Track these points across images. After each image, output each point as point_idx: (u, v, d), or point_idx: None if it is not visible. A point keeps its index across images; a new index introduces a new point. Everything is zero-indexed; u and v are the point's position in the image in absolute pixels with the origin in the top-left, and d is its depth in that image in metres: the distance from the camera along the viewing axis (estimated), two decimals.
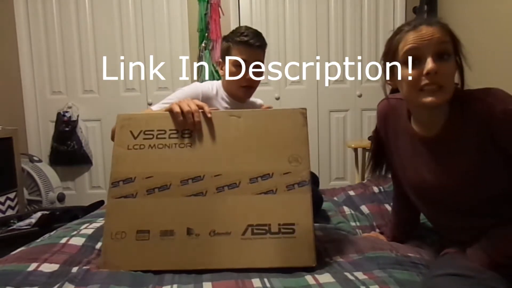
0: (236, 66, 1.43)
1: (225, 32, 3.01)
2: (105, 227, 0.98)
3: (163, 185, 0.97)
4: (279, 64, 3.19)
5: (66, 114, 3.18)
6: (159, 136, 1.02)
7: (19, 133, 2.87)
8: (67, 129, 3.15)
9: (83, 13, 3.20)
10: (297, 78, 3.21)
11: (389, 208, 1.57)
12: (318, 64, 3.19)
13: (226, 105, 1.52)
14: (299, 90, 3.22)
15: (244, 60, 1.42)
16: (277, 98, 3.22)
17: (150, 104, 3.22)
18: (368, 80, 3.19)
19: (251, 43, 1.41)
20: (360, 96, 3.21)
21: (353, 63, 3.18)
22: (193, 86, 1.51)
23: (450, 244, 0.98)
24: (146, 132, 1.03)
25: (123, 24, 3.20)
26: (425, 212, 1.08)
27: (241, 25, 3.11)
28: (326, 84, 3.22)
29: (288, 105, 3.23)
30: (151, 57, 3.21)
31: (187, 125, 1.04)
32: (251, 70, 1.43)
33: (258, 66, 1.45)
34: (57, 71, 3.25)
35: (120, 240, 0.94)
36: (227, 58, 1.46)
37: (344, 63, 3.19)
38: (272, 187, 0.97)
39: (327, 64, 3.19)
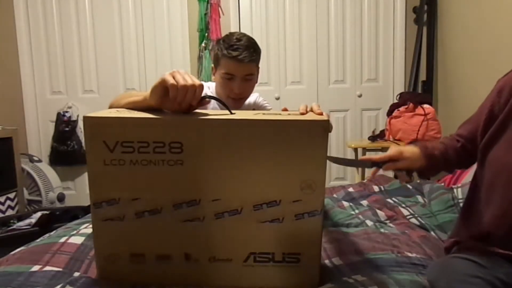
0: (225, 78, 1.39)
1: (225, 32, 3.02)
2: (96, 249, 0.88)
3: (154, 208, 0.83)
4: (279, 64, 3.19)
5: (66, 114, 3.18)
6: (141, 150, 0.80)
7: (19, 133, 2.87)
8: (67, 129, 3.15)
9: (83, 13, 3.20)
10: (297, 78, 3.22)
11: (391, 202, 1.57)
12: (318, 64, 3.19)
13: (218, 108, 1.47)
14: (299, 90, 3.22)
15: (232, 75, 1.37)
16: (277, 98, 3.22)
17: None
18: (368, 80, 3.20)
19: (240, 59, 1.33)
20: (360, 96, 3.21)
21: (353, 63, 3.19)
22: None
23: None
24: (124, 144, 0.80)
25: (123, 24, 3.20)
26: (497, 201, 0.92)
27: (242, 26, 3.14)
28: (326, 84, 3.22)
29: (288, 105, 3.21)
30: (151, 57, 3.22)
31: (179, 106, 0.84)
32: (239, 83, 1.38)
33: (249, 78, 1.40)
34: (57, 71, 3.26)
35: (114, 262, 0.87)
36: (218, 67, 1.41)
37: (344, 63, 3.19)
38: (278, 216, 0.84)
39: (327, 64, 3.19)
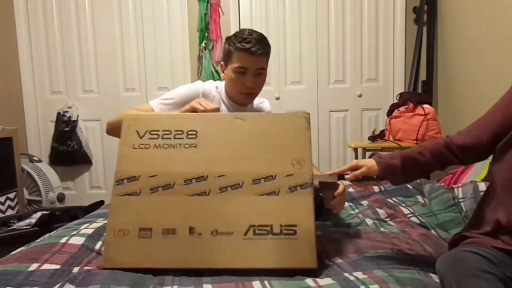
0: (237, 73, 1.38)
1: (225, 32, 3.04)
2: (108, 224, 0.98)
3: (167, 184, 0.99)
4: (279, 64, 3.19)
5: (66, 114, 3.18)
6: (164, 136, 1.04)
7: (19, 133, 2.87)
8: (67, 129, 3.15)
9: (83, 13, 3.20)
10: (297, 78, 3.22)
11: (391, 201, 1.57)
12: (318, 64, 3.19)
13: (226, 109, 1.49)
14: (299, 90, 3.22)
15: (245, 68, 1.37)
16: (277, 98, 3.22)
17: None
18: (368, 80, 3.20)
19: (253, 51, 1.34)
20: (360, 96, 3.21)
21: (353, 63, 3.19)
22: (195, 85, 1.49)
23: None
24: (152, 132, 1.05)
25: (123, 24, 3.20)
26: (506, 204, 0.94)
27: (242, 26, 3.14)
28: (326, 84, 3.22)
29: (288, 105, 3.23)
30: (151, 57, 3.22)
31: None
32: (252, 77, 1.38)
33: (260, 73, 1.40)
34: (57, 71, 3.25)
35: (122, 238, 0.94)
36: (229, 63, 1.41)
37: (344, 63, 3.19)
38: (274, 189, 0.98)
39: (327, 64, 3.19)
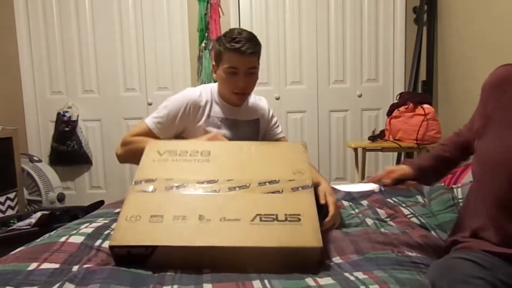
0: (228, 73, 1.38)
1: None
2: (121, 213, 1.03)
3: (181, 184, 1.10)
4: (279, 64, 3.19)
5: (66, 114, 3.18)
6: (181, 154, 1.22)
7: (19, 133, 2.87)
8: (67, 129, 3.15)
9: (83, 13, 3.20)
10: (297, 78, 3.22)
11: (391, 201, 1.57)
12: (318, 64, 3.19)
13: (219, 109, 1.48)
14: (299, 90, 3.22)
15: (236, 68, 1.36)
16: (277, 98, 3.22)
17: (150, 104, 3.23)
18: (368, 80, 3.20)
19: (243, 51, 1.33)
20: (360, 96, 3.21)
21: (353, 63, 3.19)
22: (181, 97, 1.45)
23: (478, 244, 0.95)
24: (171, 151, 1.23)
25: (123, 24, 3.21)
26: (490, 196, 0.96)
27: (242, 26, 3.14)
28: (326, 84, 3.22)
29: (288, 105, 3.23)
30: (151, 57, 3.22)
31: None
32: (243, 77, 1.37)
33: (252, 72, 1.40)
34: (57, 71, 3.26)
35: (134, 222, 0.99)
36: (220, 63, 1.40)
37: (344, 63, 3.19)
38: (278, 189, 1.10)
39: (327, 64, 3.19)
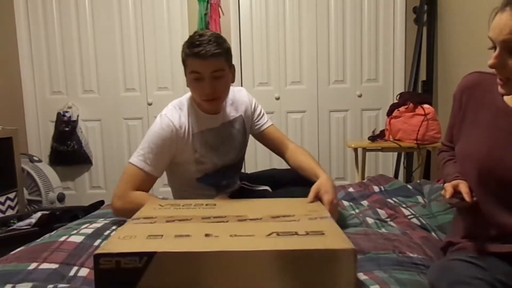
0: (193, 79, 1.30)
1: (225, 32, 3.04)
2: (113, 234, 0.92)
3: (184, 219, 0.99)
4: (279, 64, 3.19)
5: (66, 114, 3.18)
6: (184, 206, 1.14)
7: (19, 133, 2.87)
8: (67, 129, 3.15)
9: (83, 13, 3.20)
10: (297, 78, 3.22)
11: (392, 202, 1.56)
12: (318, 64, 3.19)
13: (201, 122, 1.40)
14: (299, 90, 3.22)
15: (199, 73, 1.28)
16: (277, 98, 3.22)
17: (150, 104, 3.23)
18: (368, 80, 3.20)
19: (202, 54, 1.24)
20: (360, 96, 3.21)
21: (353, 63, 3.19)
22: (162, 138, 1.34)
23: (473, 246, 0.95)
24: (173, 204, 1.18)
25: (123, 24, 3.20)
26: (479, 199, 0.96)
27: (242, 26, 3.14)
28: (326, 84, 3.22)
29: (287, 105, 3.23)
30: (151, 57, 3.22)
31: None
32: (209, 82, 1.28)
33: (218, 75, 1.29)
34: (57, 71, 3.26)
35: (128, 239, 0.83)
36: (186, 70, 1.33)
37: (344, 63, 3.19)
38: (295, 219, 0.98)
39: (327, 64, 3.19)
